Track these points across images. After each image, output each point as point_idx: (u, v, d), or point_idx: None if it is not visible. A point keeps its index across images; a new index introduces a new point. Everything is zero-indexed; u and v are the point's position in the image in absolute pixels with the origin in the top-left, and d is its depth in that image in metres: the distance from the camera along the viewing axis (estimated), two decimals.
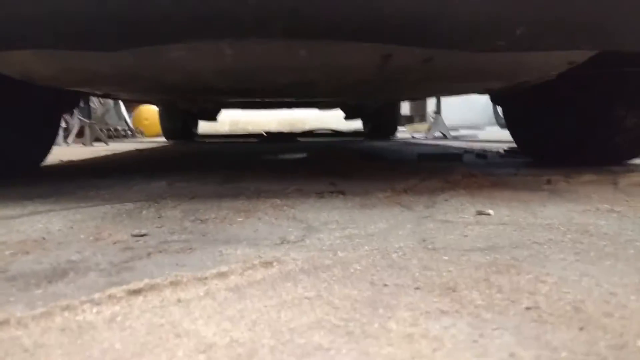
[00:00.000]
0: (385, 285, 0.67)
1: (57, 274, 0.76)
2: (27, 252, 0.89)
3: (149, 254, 0.86)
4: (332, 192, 1.49)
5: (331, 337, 0.51)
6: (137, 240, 0.97)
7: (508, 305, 0.59)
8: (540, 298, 0.60)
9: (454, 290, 0.64)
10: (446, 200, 1.31)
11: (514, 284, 0.65)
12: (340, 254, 0.82)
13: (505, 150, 2.90)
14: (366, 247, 0.86)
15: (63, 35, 1.16)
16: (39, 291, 0.68)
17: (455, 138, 4.96)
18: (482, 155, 2.68)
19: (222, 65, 1.50)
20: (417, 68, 1.56)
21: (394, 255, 0.81)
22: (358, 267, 0.75)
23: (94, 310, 0.59)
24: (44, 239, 0.99)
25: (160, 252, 0.88)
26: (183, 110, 5.05)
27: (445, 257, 0.79)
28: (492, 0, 1.02)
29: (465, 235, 0.93)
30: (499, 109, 7.29)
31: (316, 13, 1.08)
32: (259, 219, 1.15)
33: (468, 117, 7.55)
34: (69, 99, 2.40)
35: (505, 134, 5.39)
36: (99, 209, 1.30)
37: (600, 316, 0.55)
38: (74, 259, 0.84)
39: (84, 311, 0.59)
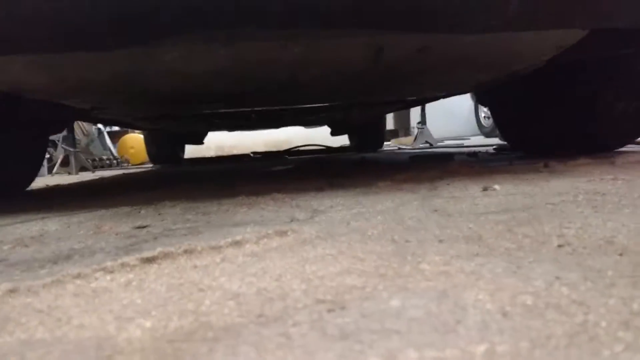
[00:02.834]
0: (408, 241, 0.64)
1: (61, 258, 0.72)
2: (26, 246, 0.85)
3: (155, 238, 0.83)
4: (331, 186, 1.47)
5: (363, 279, 0.49)
6: (140, 230, 0.93)
7: (539, 245, 0.57)
8: (570, 238, 0.59)
9: (479, 240, 0.62)
10: (448, 184, 1.29)
11: (539, 231, 0.64)
12: (353, 224, 0.80)
13: (494, 149, 2.92)
14: (379, 218, 0.84)
15: (56, 35, 1.14)
16: (44, 271, 0.65)
17: (441, 147, 4.99)
18: (473, 154, 2.69)
19: (215, 66, 1.48)
20: (410, 60, 1.56)
21: (409, 222, 0.79)
22: (375, 232, 0.72)
23: (108, 277, 0.56)
24: (41, 235, 0.96)
25: (167, 236, 0.85)
26: (169, 133, 5.01)
27: (462, 219, 0.77)
28: None
29: (476, 204, 0.92)
30: (482, 117, 7.39)
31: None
32: (262, 208, 1.12)
33: (452, 128, 7.61)
34: (56, 119, 2.37)
35: (490, 141, 5.44)
36: (95, 213, 1.26)
37: (636, 245, 0.53)
38: (77, 247, 0.81)
39: (96, 279, 0.56)
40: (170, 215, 1.11)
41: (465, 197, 1.03)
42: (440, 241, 0.63)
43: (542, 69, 1.79)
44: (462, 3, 1.12)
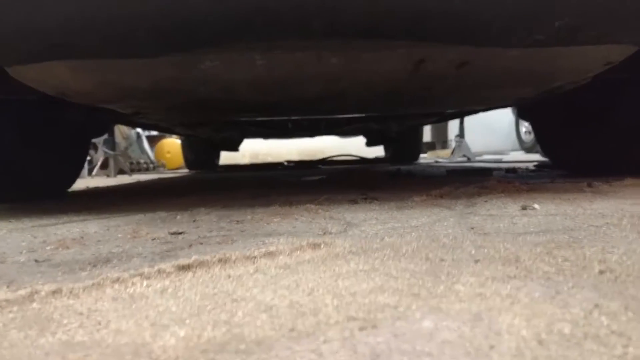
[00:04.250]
0: (442, 260, 0.64)
1: (100, 261, 0.75)
2: (68, 247, 0.88)
3: (190, 245, 0.85)
4: (365, 199, 1.46)
5: (396, 298, 0.49)
6: (176, 237, 0.95)
7: (579, 270, 0.55)
8: (613, 264, 0.57)
9: (517, 261, 0.60)
10: (486, 201, 1.27)
11: (580, 255, 0.62)
12: (387, 239, 0.79)
13: (535, 166, 2.85)
14: (413, 234, 0.83)
15: (101, 42, 1.19)
16: (85, 273, 0.67)
17: (479, 161, 4.91)
18: (512, 170, 2.63)
19: (254, 76, 1.51)
20: (450, 74, 1.54)
21: (445, 240, 0.77)
22: (409, 249, 0.72)
23: (144, 283, 0.58)
24: (82, 237, 0.99)
25: (201, 243, 0.86)
26: (206, 140, 5.10)
27: (499, 239, 0.76)
28: None
29: (515, 224, 0.90)
30: (523, 132, 7.23)
31: (355, 9, 1.08)
32: (296, 219, 1.13)
33: (491, 143, 7.47)
34: (98, 123, 2.45)
35: (531, 157, 5.32)
36: (132, 217, 1.30)
37: None
38: (115, 251, 0.83)
39: (134, 284, 0.57)
40: (205, 223, 1.13)
41: (503, 215, 1.01)
42: (476, 261, 0.62)
43: (589, 84, 1.74)
44: (507, 16, 1.10)
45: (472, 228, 0.87)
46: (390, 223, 0.99)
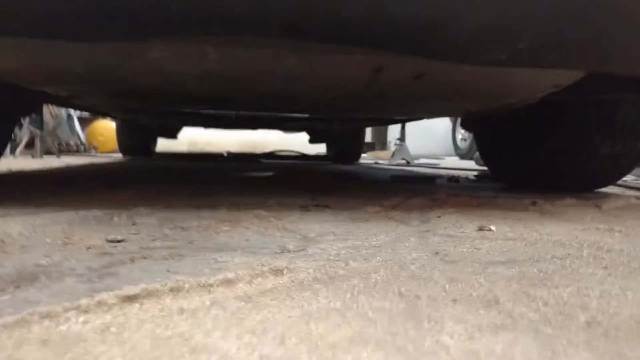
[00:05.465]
0: (417, 297, 0.59)
1: (25, 279, 0.64)
2: None
3: (132, 260, 0.75)
4: (317, 206, 1.41)
5: (381, 354, 0.43)
6: (114, 246, 0.85)
7: (564, 319, 0.52)
8: (595, 312, 0.54)
9: (496, 303, 0.57)
10: (439, 217, 1.25)
11: (558, 299, 0.59)
12: (352, 264, 0.74)
13: (475, 176, 2.91)
14: (378, 258, 0.79)
15: (36, 20, 1.05)
16: (6, 297, 0.57)
17: (418, 165, 5.00)
18: (453, 179, 2.68)
19: (205, 70, 1.41)
20: (406, 84, 1.52)
21: (412, 267, 0.73)
22: (378, 278, 0.67)
23: (81, 319, 0.49)
24: (3, 241, 0.86)
25: (145, 258, 0.77)
26: (143, 126, 4.85)
27: (469, 269, 0.72)
28: (502, 9, 0.99)
29: (478, 249, 0.87)
30: (459, 139, 7.47)
31: (316, 12, 1.02)
32: (247, 228, 1.05)
33: (428, 147, 7.66)
34: (26, 101, 2.24)
35: (466, 164, 5.48)
36: (62, 215, 1.16)
37: None
38: (43, 263, 0.72)
39: (67, 320, 0.48)
40: (146, 227, 1.04)
41: (462, 237, 0.98)
42: (454, 301, 0.58)
43: (534, 104, 1.78)
44: (474, 34, 1.08)
45: (437, 253, 0.84)
46: (349, 240, 0.94)
